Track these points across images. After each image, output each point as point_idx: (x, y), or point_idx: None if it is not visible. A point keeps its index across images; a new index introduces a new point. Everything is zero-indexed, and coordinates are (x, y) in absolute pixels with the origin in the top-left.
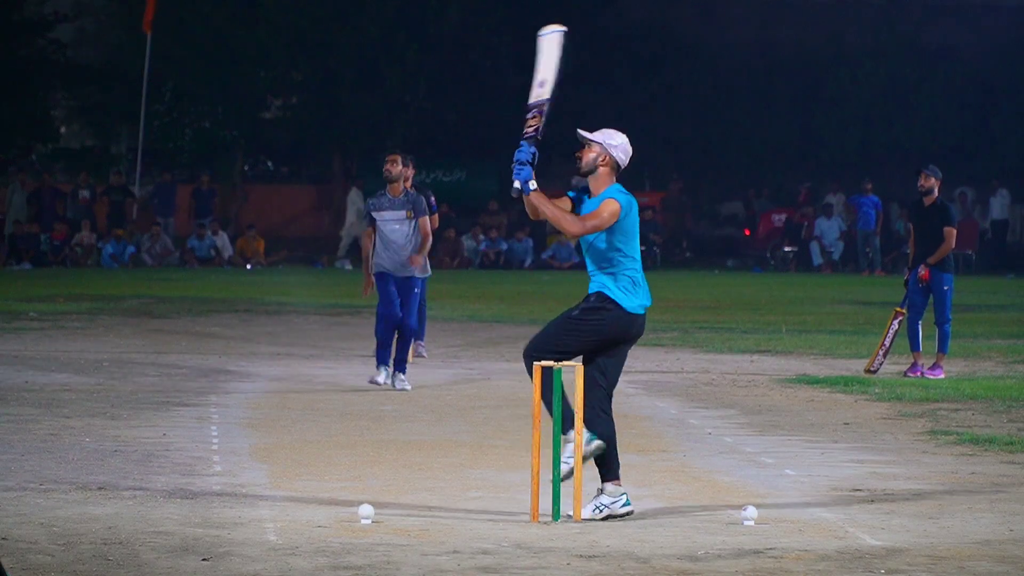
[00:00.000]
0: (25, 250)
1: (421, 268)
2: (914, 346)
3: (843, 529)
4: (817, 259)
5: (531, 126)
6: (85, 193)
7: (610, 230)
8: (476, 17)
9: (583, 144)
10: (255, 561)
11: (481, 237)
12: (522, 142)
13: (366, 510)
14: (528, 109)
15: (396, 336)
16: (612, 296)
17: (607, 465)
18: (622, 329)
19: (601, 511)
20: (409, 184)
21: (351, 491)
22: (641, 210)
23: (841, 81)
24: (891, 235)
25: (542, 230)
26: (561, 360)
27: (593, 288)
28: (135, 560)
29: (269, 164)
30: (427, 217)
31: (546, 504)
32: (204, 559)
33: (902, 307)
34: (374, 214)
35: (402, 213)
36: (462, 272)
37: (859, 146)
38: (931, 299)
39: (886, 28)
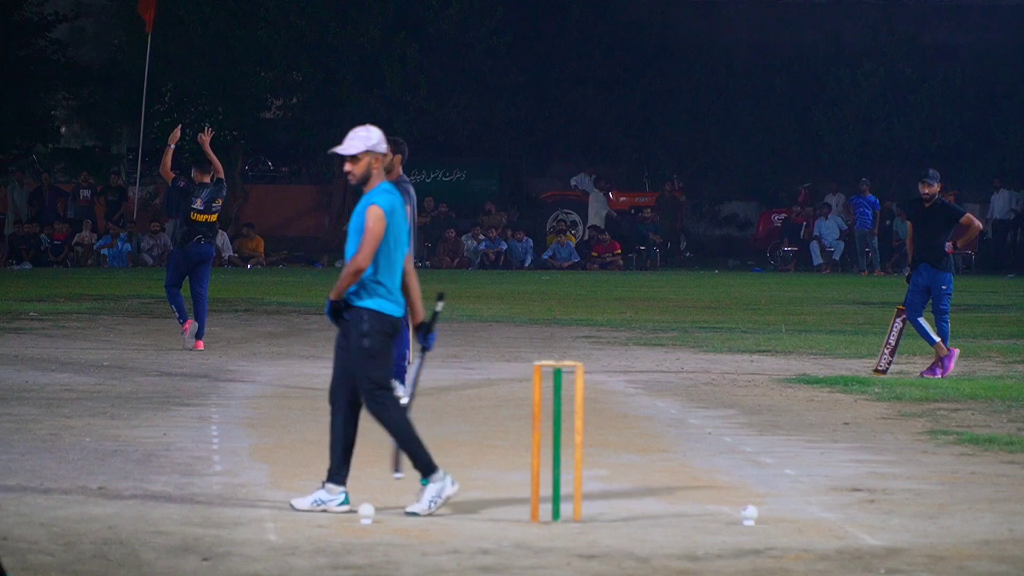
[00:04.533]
0: (25, 250)
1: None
2: (930, 340)
3: (843, 529)
4: (817, 259)
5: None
6: (86, 193)
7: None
8: (476, 17)
9: (345, 159)
10: (255, 561)
11: (481, 237)
12: None
13: (366, 510)
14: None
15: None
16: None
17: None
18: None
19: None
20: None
21: (351, 491)
22: (641, 210)
23: (841, 81)
24: (889, 238)
25: (542, 230)
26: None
27: None
28: (135, 560)
29: (269, 164)
30: (413, 210)
31: (546, 508)
32: (204, 559)
33: (904, 305)
34: None
35: None
36: (462, 272)
37: (859, 146)
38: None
39: (885, 28)
